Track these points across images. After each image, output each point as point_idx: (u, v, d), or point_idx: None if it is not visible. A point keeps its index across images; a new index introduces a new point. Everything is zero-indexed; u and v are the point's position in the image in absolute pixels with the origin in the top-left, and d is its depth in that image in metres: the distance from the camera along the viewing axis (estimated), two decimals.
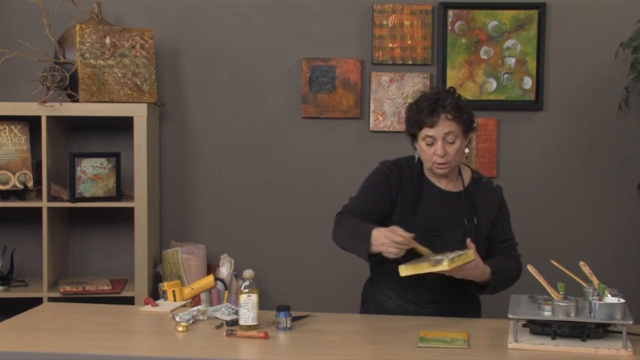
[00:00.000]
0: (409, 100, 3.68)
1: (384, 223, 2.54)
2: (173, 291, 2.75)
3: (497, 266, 2.58)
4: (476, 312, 2.77)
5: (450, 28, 3.71)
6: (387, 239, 2.39)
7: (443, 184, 2.67)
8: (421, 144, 2.59)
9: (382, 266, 2.64)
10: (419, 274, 2.41)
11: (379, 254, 2.45)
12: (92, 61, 3.42)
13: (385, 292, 2.72)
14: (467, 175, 2.71)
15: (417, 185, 2.65)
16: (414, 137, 2.64)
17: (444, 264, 2.36)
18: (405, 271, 2.40)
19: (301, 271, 3.81)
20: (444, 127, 2.54)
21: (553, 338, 2.23)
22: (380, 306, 2.73)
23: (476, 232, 2.62)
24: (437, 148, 2.55)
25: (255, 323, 2.38)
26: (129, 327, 2.54)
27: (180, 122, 3.79)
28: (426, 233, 2.56)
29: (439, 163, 2.57)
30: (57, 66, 3.41)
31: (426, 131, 2.56)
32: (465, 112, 2.58)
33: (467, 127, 2.59)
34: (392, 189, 2.64)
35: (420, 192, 2.64)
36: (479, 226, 2.63)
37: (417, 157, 2.69)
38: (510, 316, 2.24)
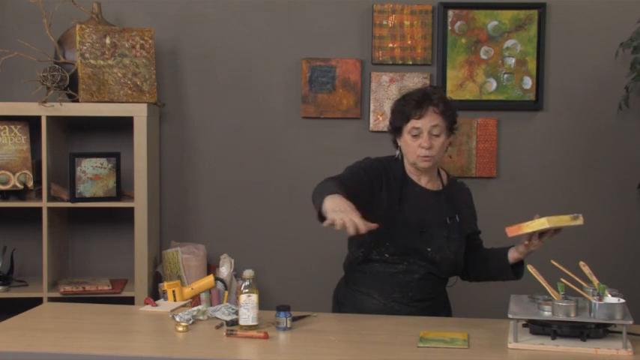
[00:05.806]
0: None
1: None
2: (173, 291, 2.75)
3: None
4: (448, 311, 2.82)
5: (450, 28, 3.71)
6: (345, 214, 2.27)
7: (423, 183, 2.71)
8: (406, 137, 2.63)
9: (362, 266, 2.69)
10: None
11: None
12: (92, 61, 3.42)
13: (368, 293, 2.69)
14: (444, 176, 2.79)
15: (400, 184, 2.68)
16: (398, 132, 2.67)
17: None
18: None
19: (301, 271, 3.81)
20: (431, 119, 2.60)
21: (553, 338, 2.23)
22: (359, 308, 2.68)
23: (458, 230, 2.69)
24: (422, 140, 2.60)
25: (255, 323, 2.37)
26: (129, 327, 2.54)
27: (180, 122, 3.79)
28: (413, 230, 2.62)
29: (423, 156, 2.61)
30: (57, 66, 3.41)
31: (413, 123, 2.61)
32: (450, 109, 2.65)
33: (451, 123, 2.65)
34: (372, 178, 2.64)
35: (404, 190, 2.67)
36: (461, 223, 2.71)
37: (397, 155, 2.72)
38: (510, 316, 2.24)
